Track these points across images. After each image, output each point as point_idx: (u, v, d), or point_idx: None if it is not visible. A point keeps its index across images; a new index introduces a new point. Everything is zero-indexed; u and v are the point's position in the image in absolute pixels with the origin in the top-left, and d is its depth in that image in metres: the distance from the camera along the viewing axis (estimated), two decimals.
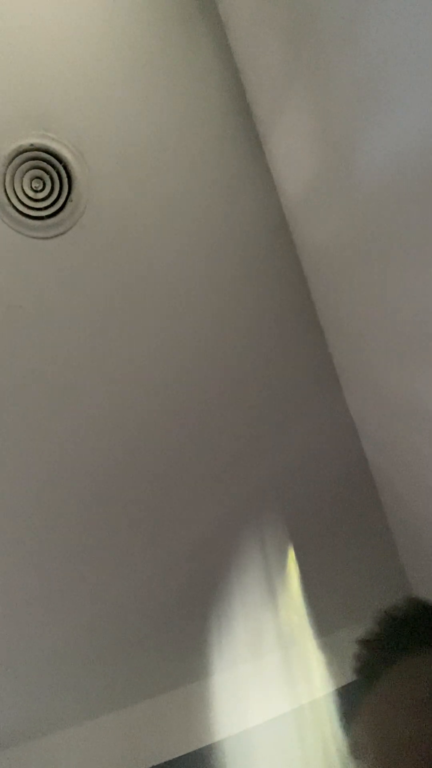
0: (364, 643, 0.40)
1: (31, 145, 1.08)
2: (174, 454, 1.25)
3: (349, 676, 1.36)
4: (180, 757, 1.20)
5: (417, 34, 0.67)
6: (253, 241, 1.25)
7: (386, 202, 0.89)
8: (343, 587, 1.41)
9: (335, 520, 1.40)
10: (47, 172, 1.11)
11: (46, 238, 1.12)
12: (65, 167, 1.10)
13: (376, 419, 1.28)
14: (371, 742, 0.32)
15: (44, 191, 1.11)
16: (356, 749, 0.33)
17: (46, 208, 1.11)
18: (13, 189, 1.09)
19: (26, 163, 1.09)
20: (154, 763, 1.19)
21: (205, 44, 1.17)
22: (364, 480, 1.40)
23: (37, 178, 1.11)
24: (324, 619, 1.37)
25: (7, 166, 1.08)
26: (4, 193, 1.08)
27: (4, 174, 1.08)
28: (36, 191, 1.11)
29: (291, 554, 1.35)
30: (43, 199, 1.11)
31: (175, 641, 1.29)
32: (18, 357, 1.14)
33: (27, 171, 1.10)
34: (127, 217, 1.16)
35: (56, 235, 1.13)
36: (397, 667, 0.35)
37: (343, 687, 1.32)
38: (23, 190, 1.10)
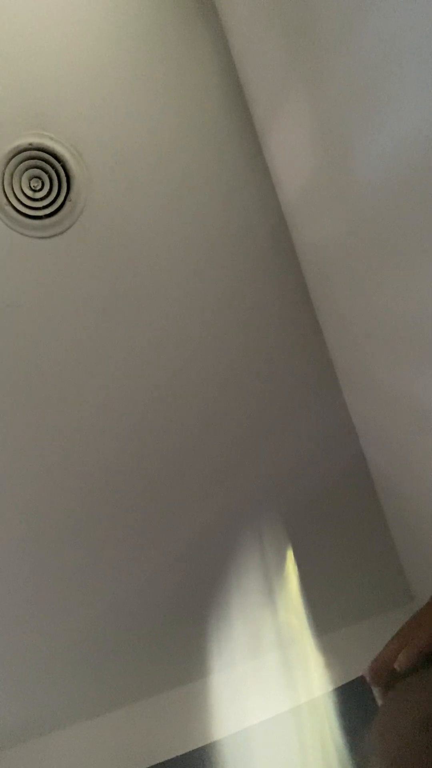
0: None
1: (30, 144, 1.08)
2: (174, 453, 1.25)
3: (348, 675, 1.36)
4: (179, 756, 1.20)
5: (416, 34, 0.67)
6: (252, 240, 1.25)
7: (385, 202, 0.88)
8: (342, 586, 1.41)
9: (334, 520, 1.40)
10: (46, 172, 1.10)
11: (45, 237, 1.12)
12: (63, 166, 1.10)
13: (376, 419, 1.28)
14: (380, 757, 0.32)
15: (43, 190, 1.11)
16: (366, 762, 0.33)
17: (44, 207, 1.11)
18: (12, 188, 1.09)
19: (24, 163, 1.08)
20: (154, 762, 1.19)
21: (204, 43, 1.16)
22: (364, 480, 1.40)
23: (36, 177, 1.10)
24: (323, 618, 1.37)
25: (6, 166, 1.07)
26: (2, 193, 1.08)
27: (3, 173, 1.08)
28: (34, 190, 1.10)
29: (290, 553, 1.35)
30: (41, 199, 1.11)
31: (174, 640, 1.29)
32: (17, 356, 1.13)
33: (25, 170, 1.09)
34: (126, 216, 1.16)
35: (55, 235, 1.12)
36: (409, 680, 0.35)
37: (342, 686, 1.32)
38: (22, 189, 1.09)
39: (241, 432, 1.29)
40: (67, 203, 1.12)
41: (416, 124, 0.74)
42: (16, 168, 1.08)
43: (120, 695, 1.27)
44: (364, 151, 0.87)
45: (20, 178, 1.09)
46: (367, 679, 0.36)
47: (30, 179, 1.10)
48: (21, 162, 1.08)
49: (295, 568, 1.35)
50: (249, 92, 1.18)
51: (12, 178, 1.09)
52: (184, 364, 1.23)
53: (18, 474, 1.16)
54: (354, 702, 1.30)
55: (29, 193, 1.10)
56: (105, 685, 1.26)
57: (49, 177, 1.10)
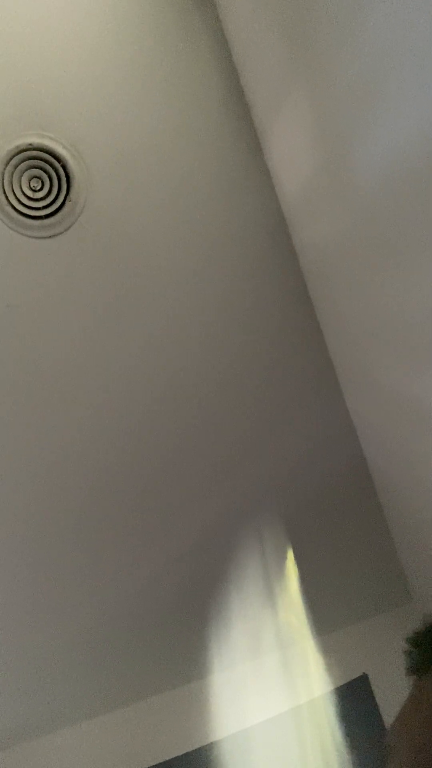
0: (412, 641, 0.40)
1: (30, 144, 1.08)
2: (174, 453, 1.25)
3: (348, 675, 1.36)
4: (179, 757, 1.20)
5: (416, 33, 0.67)
6: (252, 241, 1.25)
7: (385, 202, 0.88)
8: (342, 587, 1.41)
9: (334, 520, 1.40)
10: (46, 172, 1.10)
11: (45, 237, 1.12)
12: (63, 166, 1.10)
13: (376, 419, 1.28)
14: (403, 746, 0.32)
15: (43, 191, 1.11)
16: (390, 750, 0.33)
17: (44, 207, 1.11)
18: (12, 189, 1.09)
19: (25, 163, 1.08)
20: (154, 762, 1.19)
21: (204, 43, 1.16)
22: (364, 480, 1.40)
23: (36, 177, 1.10)
24: (323, 618, 1.37)
25: (6, 166, 1.07)
26: (2, 193, 1.08)
27: (3, 174, 1.08)
28: (34, 191, 1.10)
29: (290, 554, 1.35)
30: (41, 199, 1.11)
31: (175, 640, 1.29)
32: (17, 356, 1.13)
33: (25, 170, 1.09)
34: (126, 216, 1.16)
35: (55, 235, 1.12)
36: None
37: (342, 686, 1.32)
38: (22, 189, 1.09)
39: (241, 432, 1.29)
40: (67, 203, 1.11)
41: (416, 124, 0.74)
42: (16, 168, 1.08)
43: (120, 695, 1.27)
44: (365, 151, 0.87)
45: (20, 178, 1.09)
46: None
47: (30, 179, 1.10)
48: (21, 162, 1.08)
49: (295, 568, 1.35)
50: (249, 92, 1.19)
51: (12, 178, 1.09)
52: (184, 364, 1.23)
53: (18, 474, 1.15)
54: (354, 702, 1.30)
55: (29, 193, 1.10)
56: (105, 685, 1.26)
57: (49, 177, 1.10)
